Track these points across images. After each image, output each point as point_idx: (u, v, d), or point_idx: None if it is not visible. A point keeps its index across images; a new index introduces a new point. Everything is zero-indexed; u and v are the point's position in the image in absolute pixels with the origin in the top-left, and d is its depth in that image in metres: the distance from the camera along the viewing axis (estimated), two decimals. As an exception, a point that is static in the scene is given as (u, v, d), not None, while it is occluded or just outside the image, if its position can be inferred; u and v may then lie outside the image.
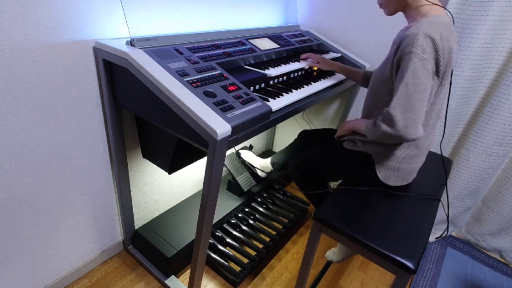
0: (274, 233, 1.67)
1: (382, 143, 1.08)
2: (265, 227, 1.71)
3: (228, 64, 1.18)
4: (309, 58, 1.46)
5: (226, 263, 1.44)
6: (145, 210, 1.52)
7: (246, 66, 1.28)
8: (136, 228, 1.48)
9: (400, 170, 1.10)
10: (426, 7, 0.99)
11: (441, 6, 1.00)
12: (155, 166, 1.45)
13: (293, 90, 1.23)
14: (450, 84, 1.06)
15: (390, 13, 1.08)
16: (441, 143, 1.23)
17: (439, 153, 1.46)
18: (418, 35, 0.91)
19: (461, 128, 1.66)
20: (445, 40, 0.93)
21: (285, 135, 2.28)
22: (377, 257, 0.92)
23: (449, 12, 1.01)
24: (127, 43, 1.01)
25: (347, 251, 1.42)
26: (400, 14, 1.09)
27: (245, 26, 1.49)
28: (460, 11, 1.37)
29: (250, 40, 1.38)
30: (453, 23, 1.00)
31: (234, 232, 1.62)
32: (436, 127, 1.14)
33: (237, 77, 1.12)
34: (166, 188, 1.58)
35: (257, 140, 2.21)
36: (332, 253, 1.49)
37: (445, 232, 1.83)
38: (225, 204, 1.69)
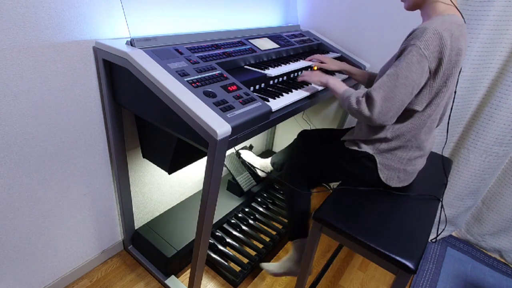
0: (274, 233, 1.67)
1: (383, 143, 1.09)
2: (265, 227, 1.71)
3: (228, 64, 1.18)
4: (314, 59, 1.45)
5: (226, 263, 1.44)
6: (145, 210, 1.52)
7: (246, 66, 1.28)
8: (136, 228, 1.48)
9: (401, 171, 1.10)
10: (443, 5, 0.98)
11: (456, 8, 0.99)
12: (155, 166, 1.45)
13: (293, 90, 1.23)
14: (455, 92, 1.06)
15: (409, 7, 1.06)
16: (443, 148, 1.21)
17: (440, 153, 1.46)
18: (428, 29, 0.90)
19: (461, 128, 1.66)
20: (455, 40, 0.92)
21: (285, 135, 2.29)
22: (377, 257, 0.92)
23: (461, 14, 1.00)
24: (127, 43, 1.01)
25: (287, 269, 1.33)
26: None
27: (245, 26, 1.49)
28: (461, 11, 1.37)
29: (250, 40, 1.38)
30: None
31: (234, 232, 1.62)
32: (435, 129, 1.14)
33: (237, 77, 1.12)
34: (166, 188, 1.58)
35: (257, 140, 2.21)
36: (271, 266, 1.40)
37: (441, 233, 1.83)
38: (225, 204, 1.69)
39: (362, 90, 1.01)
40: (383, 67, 1.12)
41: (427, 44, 0.90)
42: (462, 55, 0.95)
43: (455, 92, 1.07)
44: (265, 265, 1.41)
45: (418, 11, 1.07)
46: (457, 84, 1.03)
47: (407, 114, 1.03)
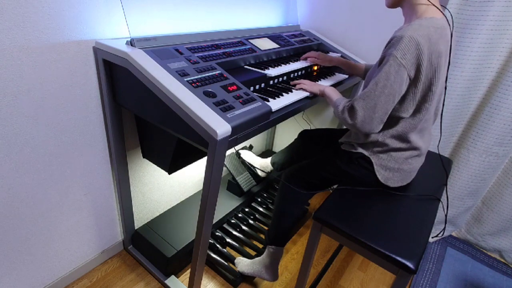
0: (274, 233, 1.67)
1: (377, 146, 1.09)
2: (265, 227, 1.71)
3: (228, 64, 1.18)
4: (309, 57, 1.46)
5: (226, 263, 1.44)
6: (145, 210, 1.52)
7: (246, 66, 1.28)
8: (136, 228, 1.48)
9: (399, 171, 1.10)
10: (423, 6, 0.99)
11: (438, 8, 0.99)
12: (155, 166, 1.45)
13: (293, 90, 1.23)
14: (445, 87, 1.06)
15: (389, 4, 1.08)
16: (438, 145, 1.22)
17: (435, 152, 1.46)
18: (404, 38, 0.91)
19: (461, 128, 1.66)
20: (433, 44, 0.92)
21: (285, 135, 2.29)
22: (377, 257, 0.92)
23: (449, 12, 1.00)
24: (127, 43, 1.01)
25: (256, 271, 1.35)
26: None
27: (245, 26, 1.49)
28: (460, 11, 1.37)
29: (250, 40, 1.38)
30: (452, 24, 0.99)
31: (234, 232, 1.62)
32: (431, 127, 1.14)
33: (237, 77, 1.12)
34: (166, 188, 1.58)
35: (257, 140, 2.21)
36: (243, 262, 1.41)
37: (442, 232, 1.83)
38: (225, 204, 1.69)
39: (351, 99, 1.03)
40: (369, 73, 1.13)
41: (403, 52, 0.91)
42: (443, 57, 0.96)
43: (445, 88, 1.07)
44: (238, 260, 1.43)
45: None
46: (446, 79, 1.04)
47: (395, 120, 1.05)
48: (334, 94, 1.15)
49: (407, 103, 1.00)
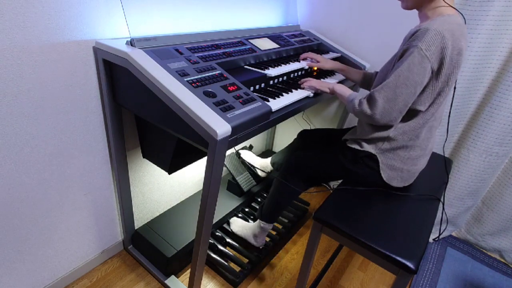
0: (274, 233, 1.67)
1: (385, 143, 1.09)
2: (265, 227, 1.71)
3: (228, 64, 1.18)
4: (308, 58, 1.46)
5: (226, 263, 1.44)
6: (145, 210, 1.52)
7: (246, 66, 1.28)
8: (136, 228, 1.48)
9: (403, 171, 1.10)
10: (442, 8, 1.00)
11: (455, 9, 1.00)
12: (155, 166, 1.45)
13: (293, 90, 1.23)
14: (455, 86, 1.07)
15: (407, 7, 1.08)
16: (444, 144, 1.22)
17: (440, 153, 1.46)
18: (429, 30, 0.91)
19: (461, 128, 1.66)
20: (456, 40, 0.93)
21: (285, 135, 2.29)
22: (377, 257, 0.92)
23: (461, 14, 1.01)
24: (127, 43, 1.01)
25: (245, 235, 1.53)
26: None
27: (245, 26, 1.49)
28: (460, 11, 1.37)
29: (250, 40, 1.38)
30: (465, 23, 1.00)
31: (234, 232, 1.62)
32: (438, 126, 1.14)
33: (237, 77, 1.12)
34: (166, 188, 1.58)
35: (257, 140, 2.21)
36: (236, 223, 1.59)
37: (442, 233, 1.83)
38: (225, 204, 1.69)
39: (365, 92, 1.02)
40: (383, 67, 1.13)
41: (428, 45, 0.91)
42: (463, 54, 0.96)
43: (454, 88, 1.07)
44: (232, 220, 1.62)
45: (415, 11, 1.08)
46: (455, 84, 1.04)
47: (410, 113, 1.04)
48: (346, 90, 1.16)
49: (426, 96, 1.00)
